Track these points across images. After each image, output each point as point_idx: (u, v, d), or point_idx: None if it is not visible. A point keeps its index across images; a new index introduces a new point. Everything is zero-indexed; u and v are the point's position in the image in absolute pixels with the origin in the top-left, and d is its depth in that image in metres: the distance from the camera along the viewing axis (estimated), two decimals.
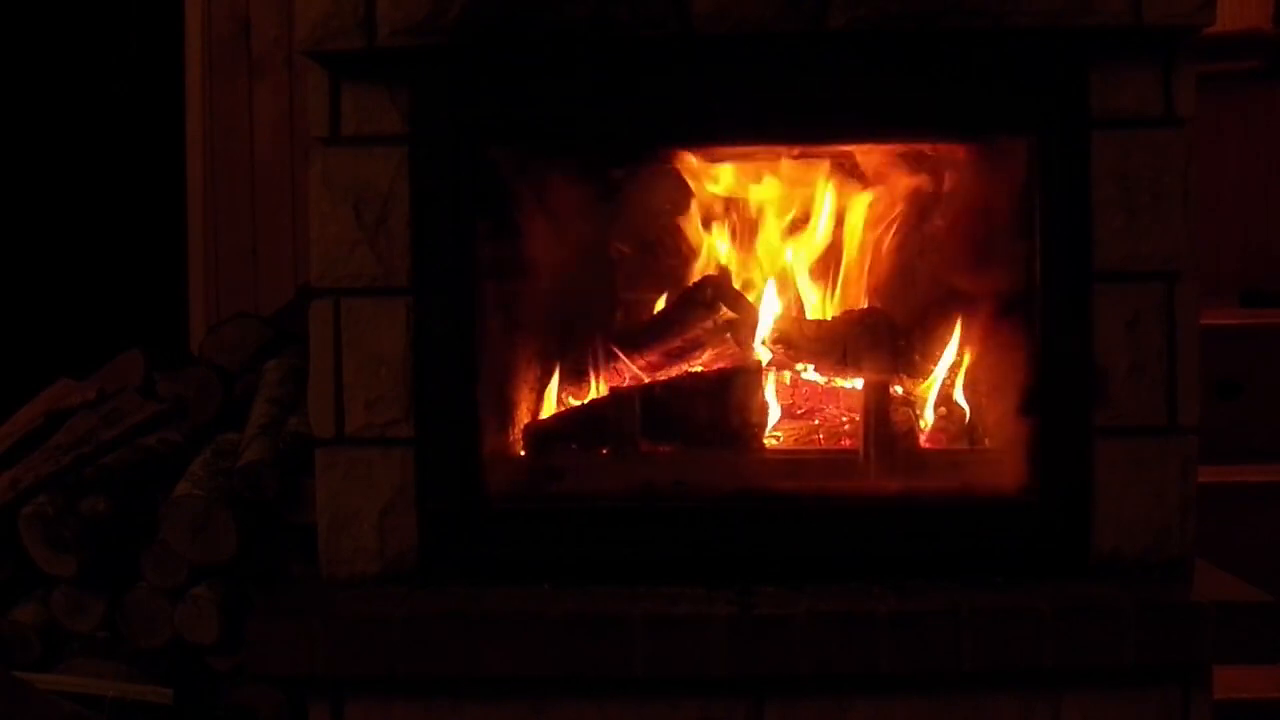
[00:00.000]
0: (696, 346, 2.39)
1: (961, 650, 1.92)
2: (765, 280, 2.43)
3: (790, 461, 2.25)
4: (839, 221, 2.41)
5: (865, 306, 2.40)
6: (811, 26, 1.99)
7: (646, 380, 2.36)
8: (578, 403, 2.36)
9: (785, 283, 2.43)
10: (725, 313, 2.38)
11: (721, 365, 2.36)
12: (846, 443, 2.30)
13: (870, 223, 2.39)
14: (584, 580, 2.06)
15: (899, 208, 2.37)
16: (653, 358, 2.39)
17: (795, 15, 1.99)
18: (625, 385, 2.34)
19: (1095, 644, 1.92)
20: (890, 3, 1.98)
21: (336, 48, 2.03)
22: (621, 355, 2.39)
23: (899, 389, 2.31)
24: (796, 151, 2.34)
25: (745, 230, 2.46)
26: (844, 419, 2.35)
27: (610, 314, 2.50)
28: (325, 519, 2.11)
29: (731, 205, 2.45)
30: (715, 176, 2.39)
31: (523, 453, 2.27)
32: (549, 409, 2.36)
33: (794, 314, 2.42)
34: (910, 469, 2.17)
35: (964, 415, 2.30)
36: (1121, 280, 2.05)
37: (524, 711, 1.99)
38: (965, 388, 2.31)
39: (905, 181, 2.35)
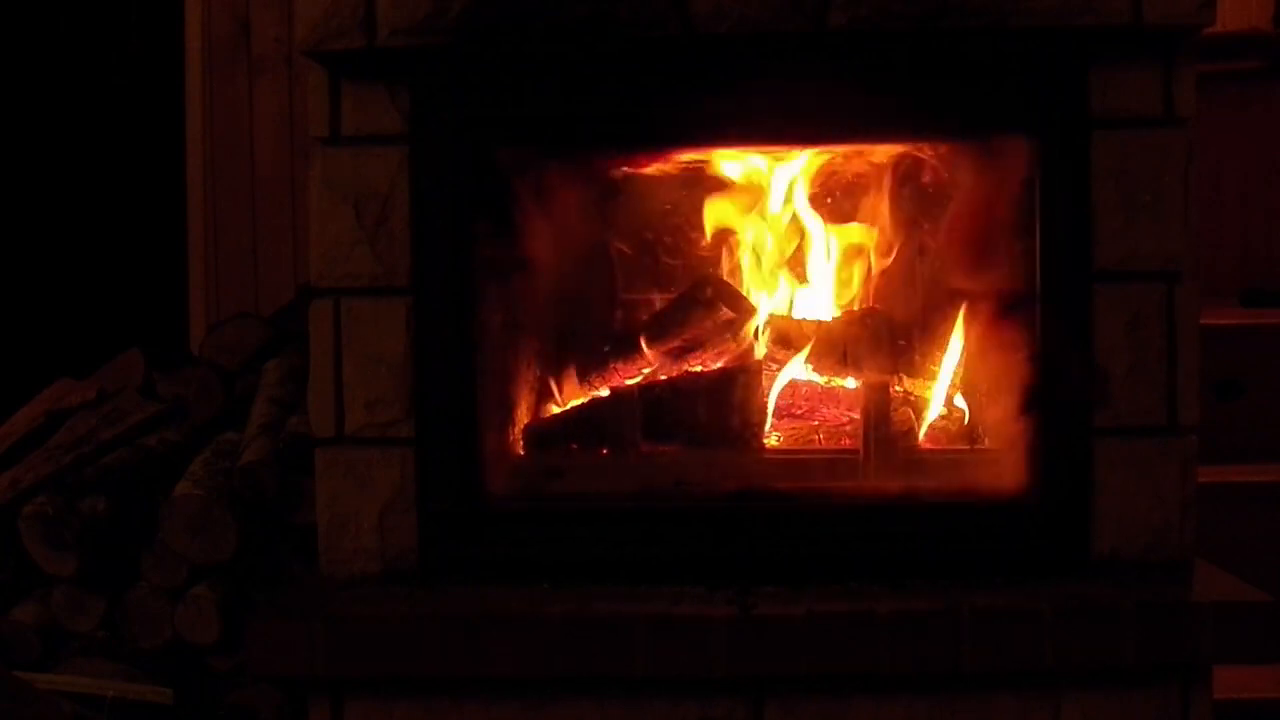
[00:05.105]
0: (696, 346, 2.39)
1: (961, 650, 1.92)
2: (765, 280, 2.43)
3: (790, 461, 2.25)
4: (839, 221, 2.41)
5: (865, 306, 2.40)
6: (812, 26, 1.99)
7: (646, 380, 2.36)
8: (577, 402, 2.36)
9: (786, 282, 2.43)
10: (725, 313, 2.38)
11: (722, 365, 2.36)
12: (846, 443, 2.29)
13: (870, 223, 2.39)
14: (584, 580, 2.06)
15: (899, 208, 2.37)
16: (653, 357, 2.39)
17: (796, 15, 1.99)
18: (625, 385, 2.34)
19: (1095, 644, 1.92)
20: (891, 2, 1.98)
21: (336, 47, 2.03)
22: (622, 355, 2.39)
23: (899, 389, 2.31)
24: (796, 152, 2.34)
25: (745, 231, 2.46)
26: (844, 419, 2.35)
27: (610, 314, 2.50)
28: (325, 519, 2.11)
29: (731, 205, 2.45)
30: (716, 176, 2.39)
31: (523, 453, 2.27)
32: (549, 409, 2.36)
33: (794, 314, 2.42)
34: (910, 469, 2.16)
35: (964, 415, 2.30)
36: (1121, 280, 2.05)
37: (524, 711, 1.99)
38: (965, 388, 2.31)
39: (905, 181, 2.35)
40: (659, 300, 2.47)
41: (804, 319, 2.41)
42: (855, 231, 2.41)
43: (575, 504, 2.16)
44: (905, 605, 1.94)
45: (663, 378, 2.36)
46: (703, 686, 1.96)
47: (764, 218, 2.43)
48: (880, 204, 2.38)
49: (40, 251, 3.85)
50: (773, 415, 2.32)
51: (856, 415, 2.27)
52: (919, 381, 2.33)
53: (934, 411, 2.30)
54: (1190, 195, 2.04)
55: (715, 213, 2.43)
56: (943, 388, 2.30)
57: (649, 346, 2.39)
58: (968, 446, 2.27)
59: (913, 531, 2.08)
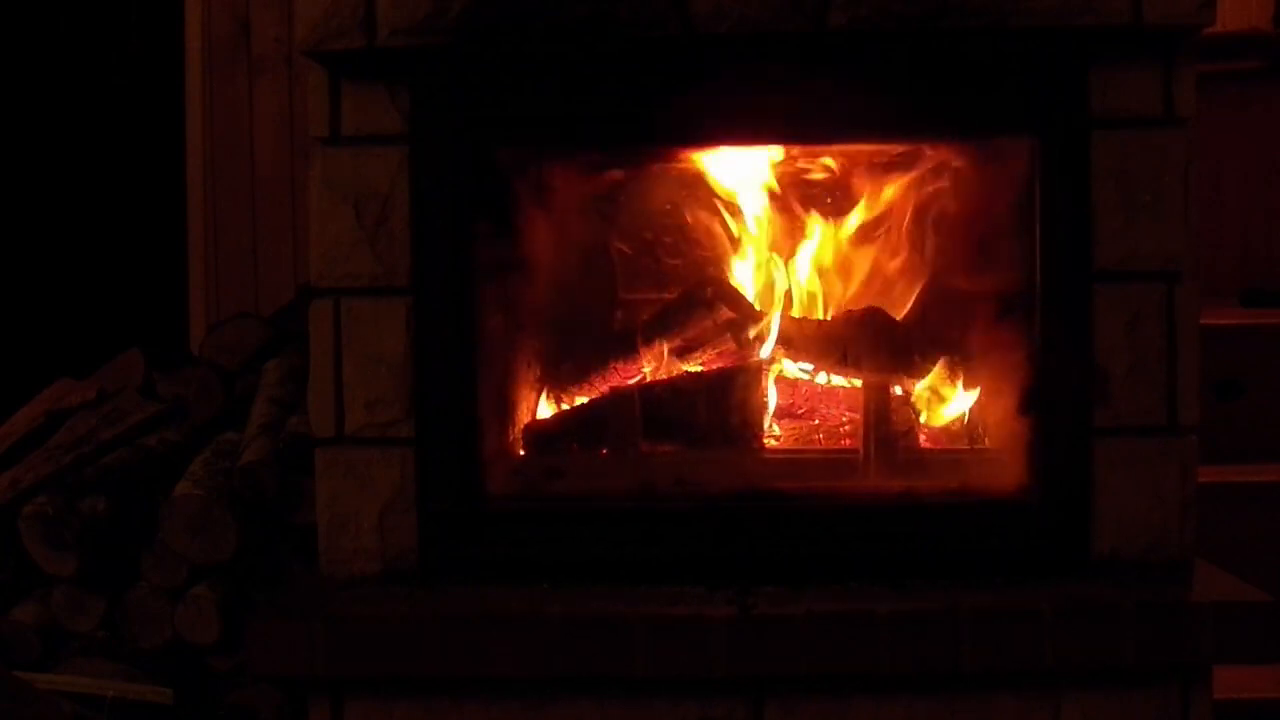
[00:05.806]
0: (696, 346, 2.39)
1: (961, 650, 1.92)
2: (766, 280, 2.43)
3: (790, 461, 2.25)
4: (839, 221, 2.41)
5: (865, 306, 2.40)
6: (812, 26, 1.99)
7: (647, 380, 2.36)
8: (577, 402, 2.36)
9: (786, 282, 2.43)
10: (725, 312, 2.38)
11: (722, 365, 2.36)
12: (846, 443, 2.29)
13: (870, 223, 2.39)
14: (584, 580, 2.06)
15: (899, 208, 2.37)
16: (653, 357, 2.39)
17: (795, 15, 1.99)
18: (625, 385, 2.34)
19: (1095, 644, 1.92)
20: (891, 2, 1.98)
21: (336, 47, 2.03)
22: (622, 355, 2.39)
23: (899, 389, 2.31)
24: (796, 151, 2.34)
25: (745, 230, 2.46)
26: (844, 419, 2.35)
27: (610, 314, 2.50)
28: (325, 519, 2.11)
29: (731, 205, 2.45)
30: (715, 176, 2.39)
31: (522, 453, 2.27)
32: (549, 409, 2.36)
33: (794, 314, 2.42)
34: (910, 469, 2.17)
35: (964, 415, 2.30)
36: (1121, 280, 2.05)
37: (524, 711, 1.99)
38: (965, 388, 2.30)
39: (905, 182, 2.35)
40: (659, 300, 2.47)
41: (804, 318, 2.41)
42: (855, 231, 2.41)
43: (575, 504, 2.16)
44: (905, 605, 1.94)
45: (663, 377, 2.36)
46: (703, 686, 1.96)
47: (764, 217, 2.44)
48: (881, 204, 2.38)
49: (41, 252, 3.85)
50: (773, 415, 2.32)
51: (856, 415, 2.27)
52: (919, 381, 2.32)
53: (934, 415, 2.30)
54: (1190, 195, 2.04)
55: (715, 212, 2.44)
56: (942, 389, 2.30)
57: (649, 346, 2.39)
58: (968, 446, 2.27)
59: (913, 531, 2.08)
